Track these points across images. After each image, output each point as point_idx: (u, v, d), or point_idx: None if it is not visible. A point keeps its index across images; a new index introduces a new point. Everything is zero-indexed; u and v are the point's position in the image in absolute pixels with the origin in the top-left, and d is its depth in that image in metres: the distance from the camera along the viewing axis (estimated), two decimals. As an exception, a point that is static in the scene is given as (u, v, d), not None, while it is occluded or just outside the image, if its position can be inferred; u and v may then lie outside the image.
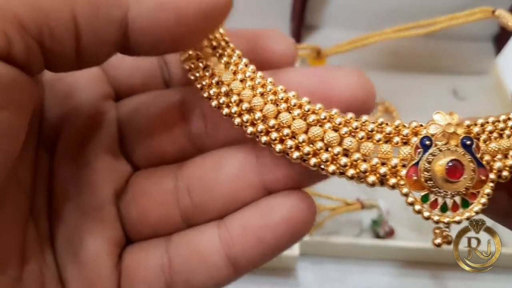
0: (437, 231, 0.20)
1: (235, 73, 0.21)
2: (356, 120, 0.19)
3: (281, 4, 0.58)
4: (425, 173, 0.19)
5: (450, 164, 0.19)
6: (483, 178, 0.19)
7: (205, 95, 0.21)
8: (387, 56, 0.54)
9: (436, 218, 0.19)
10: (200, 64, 0.21)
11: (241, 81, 0.21)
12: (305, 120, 0.20)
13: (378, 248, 0.47)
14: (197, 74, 0.21)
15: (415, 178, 0.19)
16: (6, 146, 0.17)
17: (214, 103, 0.20)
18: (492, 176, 0.19)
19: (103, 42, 0.18)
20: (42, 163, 0.22)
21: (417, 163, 0.19)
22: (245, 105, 0.20)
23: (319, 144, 0.19)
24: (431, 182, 0.19)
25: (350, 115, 0.20)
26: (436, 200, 0.19)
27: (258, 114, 0.20)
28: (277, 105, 0.20)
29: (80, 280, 0.21)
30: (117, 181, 0.23)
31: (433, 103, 0.59)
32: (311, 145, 0.19)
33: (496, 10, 0.29)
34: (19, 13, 0.15)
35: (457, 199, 0.19)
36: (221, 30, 0.22)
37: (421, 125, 0.19)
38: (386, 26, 0.58)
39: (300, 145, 0.19)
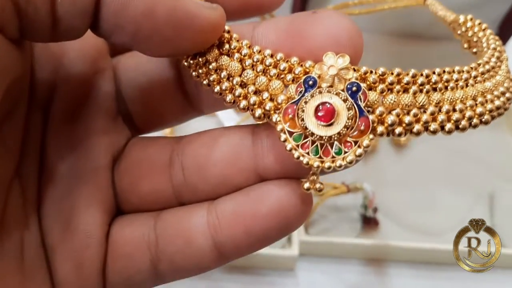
0: (311, 178, 0.19)
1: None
2: (259, 53, 0.19)
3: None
4: (301, 112, 0.18)
5: (320, 106, 0.18)
6: (362, 128, 0.18)
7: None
8: (387, 56, 0.54)
9: (305, 160, 0.18)
10: None
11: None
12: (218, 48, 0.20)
13: (378, 248, 0.47)
14: None
15: (290, 116, 0.18)
16: None
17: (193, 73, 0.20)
18: (381, 128, 0.18)
19: (78, 12, 0.17)
20: (34, 124, 0.21)
21: (296, 102, 0.18)
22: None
23: (223, 73, 0.19)
24: (304, 122, 0.18)
25: (256, 48, 0.19)
26: (307, 141, 0.18)
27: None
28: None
29: (67, 248, 0.20)
30: (115, 145, 0.22)
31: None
32: (216, 73, 0.19)
33: None
34: None
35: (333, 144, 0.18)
36: None
37: (314, 66, 0.19)
38: (385, 27, 0.58)
39: (209, 71, 0.20)
